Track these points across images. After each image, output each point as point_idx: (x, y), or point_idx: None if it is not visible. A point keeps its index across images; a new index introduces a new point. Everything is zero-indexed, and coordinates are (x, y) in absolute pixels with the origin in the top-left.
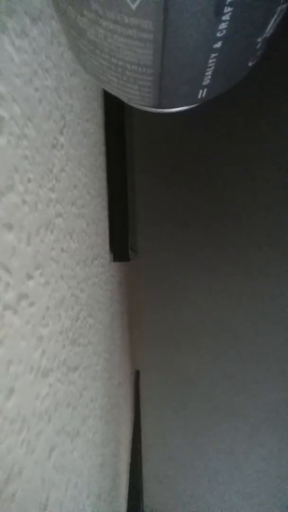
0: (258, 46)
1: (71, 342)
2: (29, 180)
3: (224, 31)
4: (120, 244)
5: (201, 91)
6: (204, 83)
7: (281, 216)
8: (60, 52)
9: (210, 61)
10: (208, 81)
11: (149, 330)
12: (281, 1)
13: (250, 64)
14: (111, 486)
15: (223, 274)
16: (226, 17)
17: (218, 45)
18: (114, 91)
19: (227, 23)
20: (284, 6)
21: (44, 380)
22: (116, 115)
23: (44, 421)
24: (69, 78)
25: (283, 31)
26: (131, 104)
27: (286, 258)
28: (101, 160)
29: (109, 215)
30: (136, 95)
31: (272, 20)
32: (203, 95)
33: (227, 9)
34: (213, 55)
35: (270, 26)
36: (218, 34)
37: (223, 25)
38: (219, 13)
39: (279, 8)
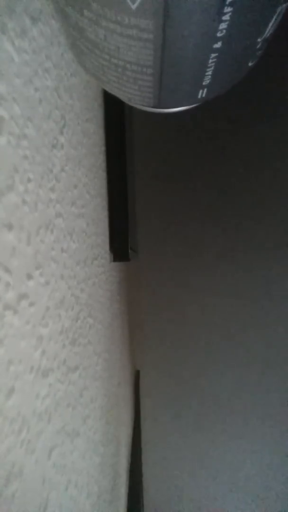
0: (258, 46)
1: (71, 342)
2: (29, 180)
3: (224, 31)
4: (120, 244)
5: (201, 91)
6: (204, 83)
7: (283, 215)
8: (60, 52)
9: (210, 61)
10: (208, 81)
11: (149, 330)
12: (281, 1)
13: (250, 64)
14: (111, 486)
15: (223, 273)
16: (226, 17)
17: (218, 45)
18: (114, 91)
19: (227, 23)
20: (284, 6)
21: (44, 380)
22: (116, 115)
23: (44, 421)
24: (69, 78)
25: (283, 31)
26: (131, 104)
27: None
28: (101, 160)
29: (109, 215)
30: (136, 95)
31: (272, 21)
32: (203, 95)
33: (227, 9)
34: (213, 55)
35: (270, 26)
36: (218, 34)
37: (223, 25)
38: (219, 13)
39: (279, 9)
